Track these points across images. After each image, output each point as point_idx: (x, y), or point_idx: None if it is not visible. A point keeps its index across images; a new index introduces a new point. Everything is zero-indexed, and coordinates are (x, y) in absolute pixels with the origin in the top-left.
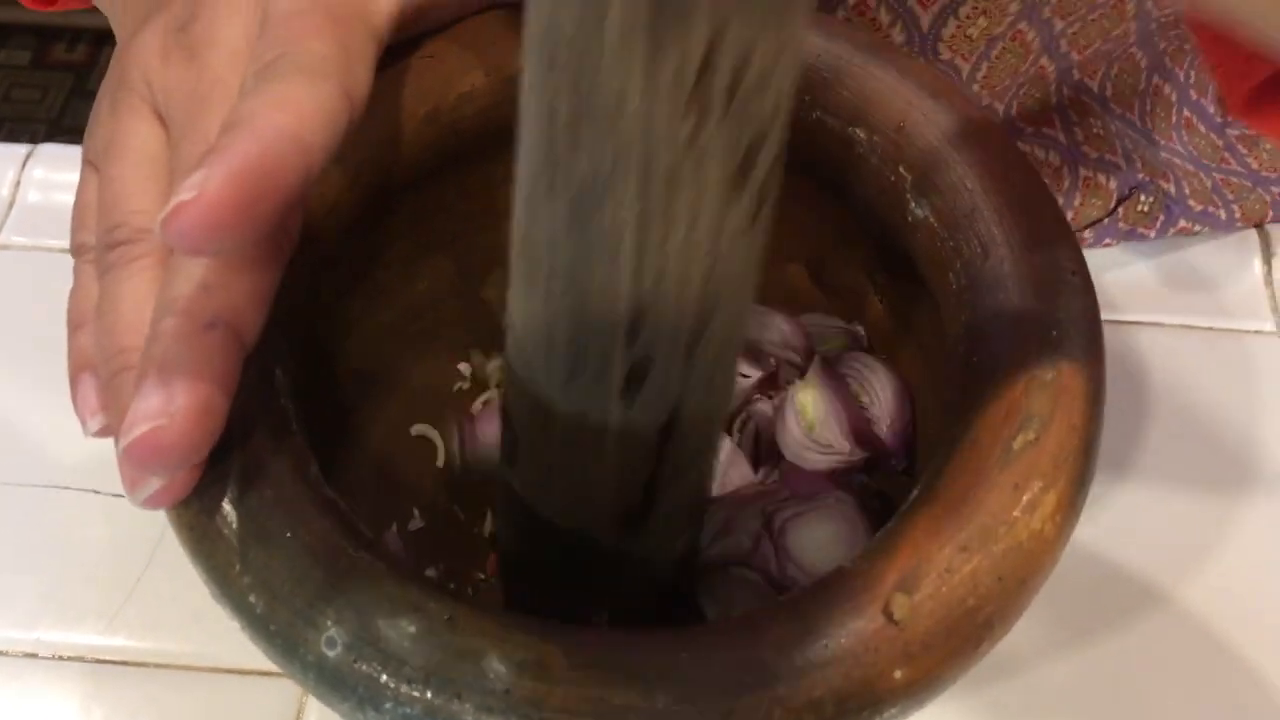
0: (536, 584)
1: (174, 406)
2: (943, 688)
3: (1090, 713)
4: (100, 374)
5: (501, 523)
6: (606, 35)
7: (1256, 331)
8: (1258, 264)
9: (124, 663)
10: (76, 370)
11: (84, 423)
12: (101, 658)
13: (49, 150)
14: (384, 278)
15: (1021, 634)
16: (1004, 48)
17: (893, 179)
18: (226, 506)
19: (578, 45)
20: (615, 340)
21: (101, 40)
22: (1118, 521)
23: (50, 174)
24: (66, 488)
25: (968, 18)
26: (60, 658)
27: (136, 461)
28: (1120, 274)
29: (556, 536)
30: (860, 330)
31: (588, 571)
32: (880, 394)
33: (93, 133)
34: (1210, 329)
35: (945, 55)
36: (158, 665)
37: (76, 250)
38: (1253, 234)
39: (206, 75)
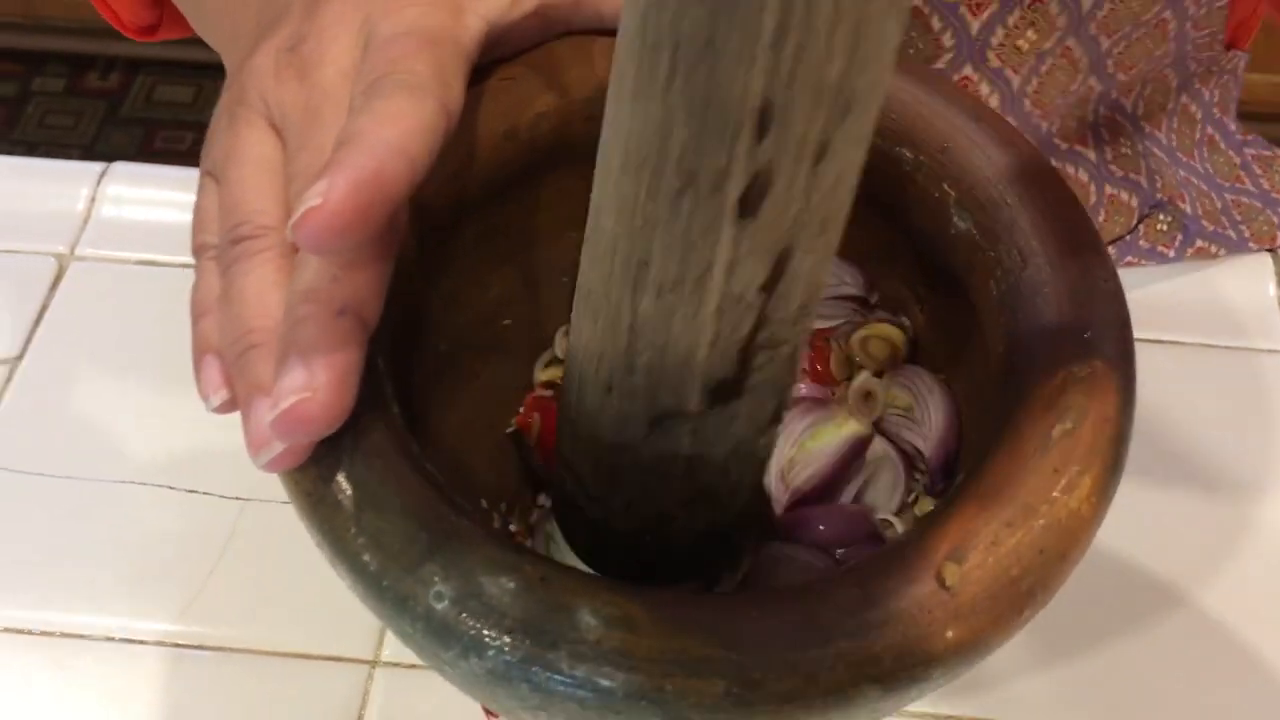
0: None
1: (317, 382)
2: (989, 649)
3: (1106, 713)
4: (227, 354)
5: (560, 437)
6: None
7: (1270, 350)
8: (1272, 287)
9: (198, 647)
10: (200, 353)
11: (206, 399)
12: (177, 642)
13: (121, 169)
14: (455, 286)
15: (1043, 634)
16: (1053, 64)
17: (937, 195)
18: (341, 476)
19: None
20: (741, 137)
21: (134, 68)
22: (1136, 532)
23: (123, 190)
24: (143, 483)
25: (1015, 27)
26: (137, 641)
27: (284, 430)
28: (1140, 295)
29: (637, 420)
30: (907, 322)
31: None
32: (932, 415)
33: (211, 145)
34: (1226, 348)
35: (994, 63)
36: (230, 650)
37: (198, 250)
38: (1267, 258)
39: (317, 91)
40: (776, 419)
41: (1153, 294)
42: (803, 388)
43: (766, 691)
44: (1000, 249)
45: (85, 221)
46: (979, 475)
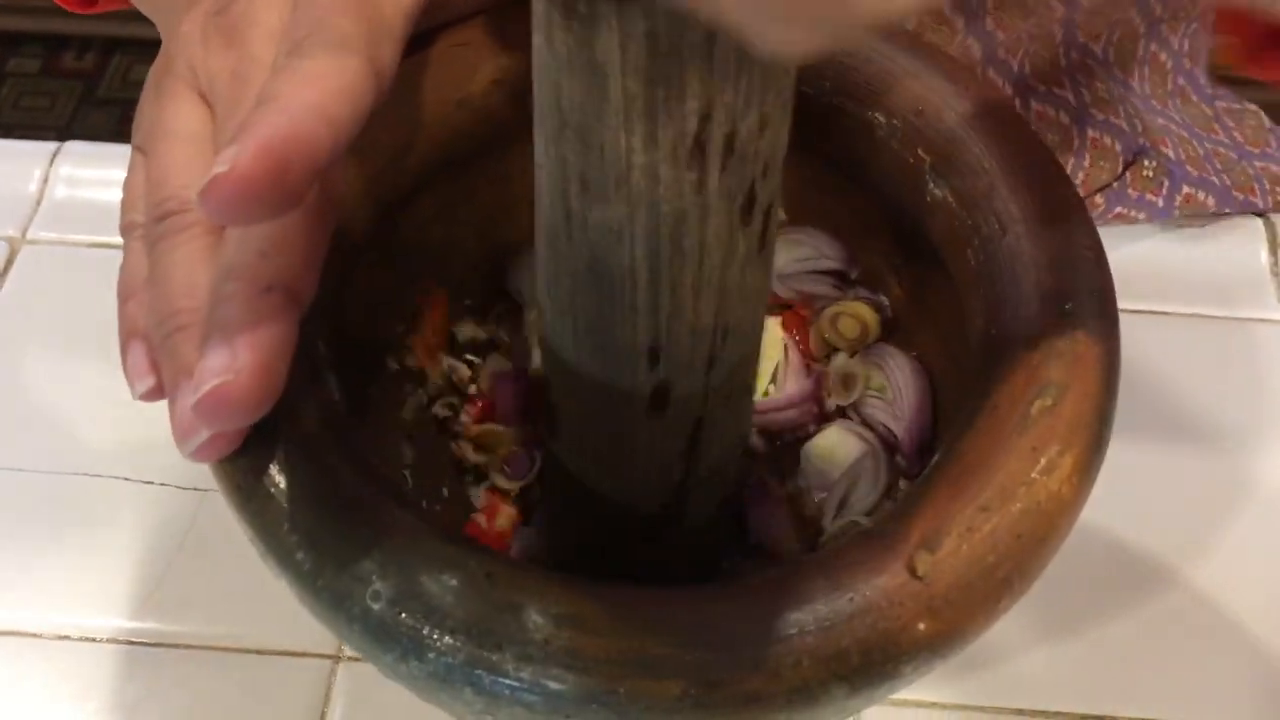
0: (580, 552)
1: (239, 363)
2: (965, 641)
3: (1097, 694)
4: (153, 337)
5: (546, 489)
6: (610, 106)
7: (1264, 320)
8: (1264, 253)
9: (156, 644)
10: (127, 337)
11: (133, 386)
12: (134, 639)
13: (75, 148)
14: (415, 262)
15: (1031, 617)
16: None
17: (912, 161)
18: (274, 468)
19: (585, 112)
20: (637, 369)
21: (110, 49)
22: (1126, 507)
23: (76, 170)
24: (97, 475)
25: None
26: (92, 639)
27: (207, 415)
28: (1128, 262)
29: (597, 513)
30: (885, 301)
31: (629, 542)
32: (904, 393)
33: (139, 119)
34: (1218, 318)
35: None
36: (189, 647)
37: (125, 229)
38: (1258, 223)
39: (246, 56)
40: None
41: (1140, 261)
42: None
43: (727, 692)
44: (978, 216)
45: (38, 204)
46: (953, 457)
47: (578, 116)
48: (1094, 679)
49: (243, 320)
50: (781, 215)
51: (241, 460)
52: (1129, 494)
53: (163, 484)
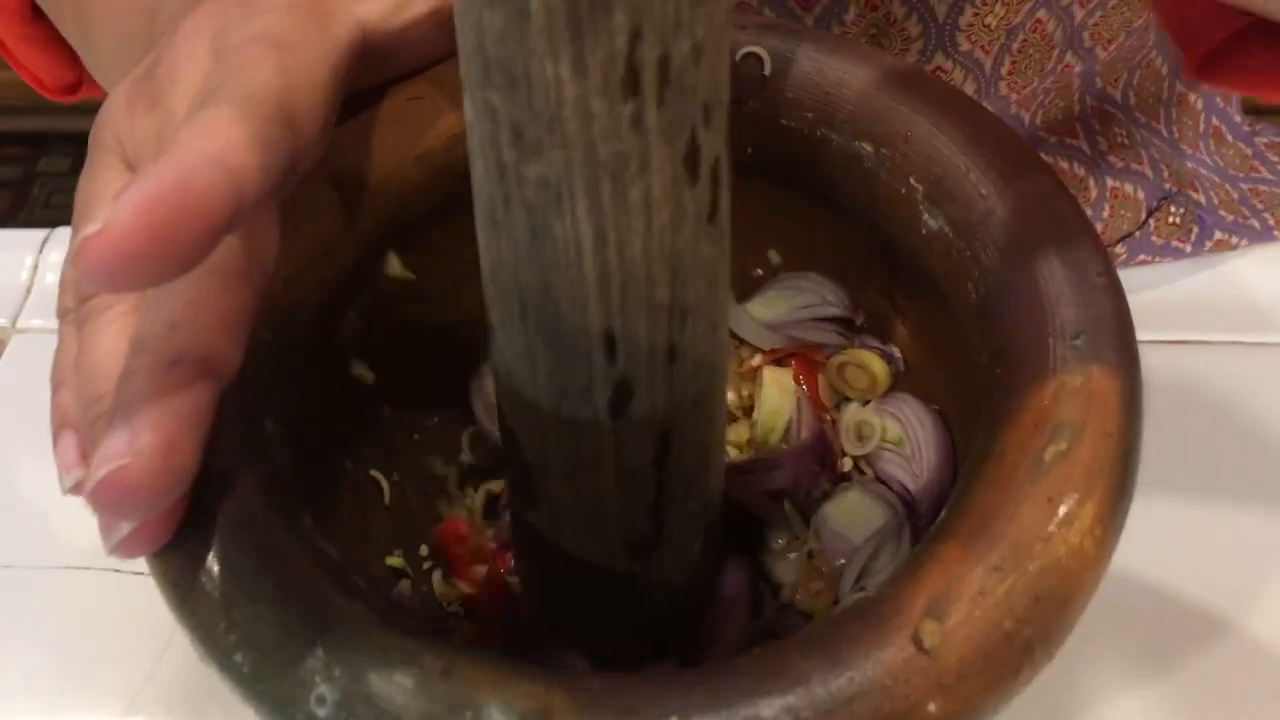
0: (562, 615)
1: (137, 445)
2: (983, 719)
3: None
4: (80, 427)
5: (517, 556)
6: (532, 28)
7: None
8: None
9: None
10: (58, 428)
11: (61, 479)
12: None
13: (65, 234)
14: (386, 330)
15: (1079, 667)
16: (1025, 39)
17: (904, 191)
18: (210, 561)
19: (508, 42)
20: (594, 359)
21: None
22: (1177, 547)
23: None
24: (86, 568)
25: (984, 4)
26: None
27: (104, 504)
28: (1162, 293)
29: (572, 567)
30: (896, 352)
31: (609, 602)
32: (924, 449)
33: (76, 195)
34: (1257, 344)
35: (964, 46)
36: None
37: (60, 313)
38: None
39: (168, 116)
40: (705, 555)
41: (1173, 290)
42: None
43: None
44: (976, 246)
45: (28, 292)
46: (961, 511)
47: (500, 49)
48: None
49: (145, 397)
50: (778, 258)
51: (175, 554)
52: (1182, 529)
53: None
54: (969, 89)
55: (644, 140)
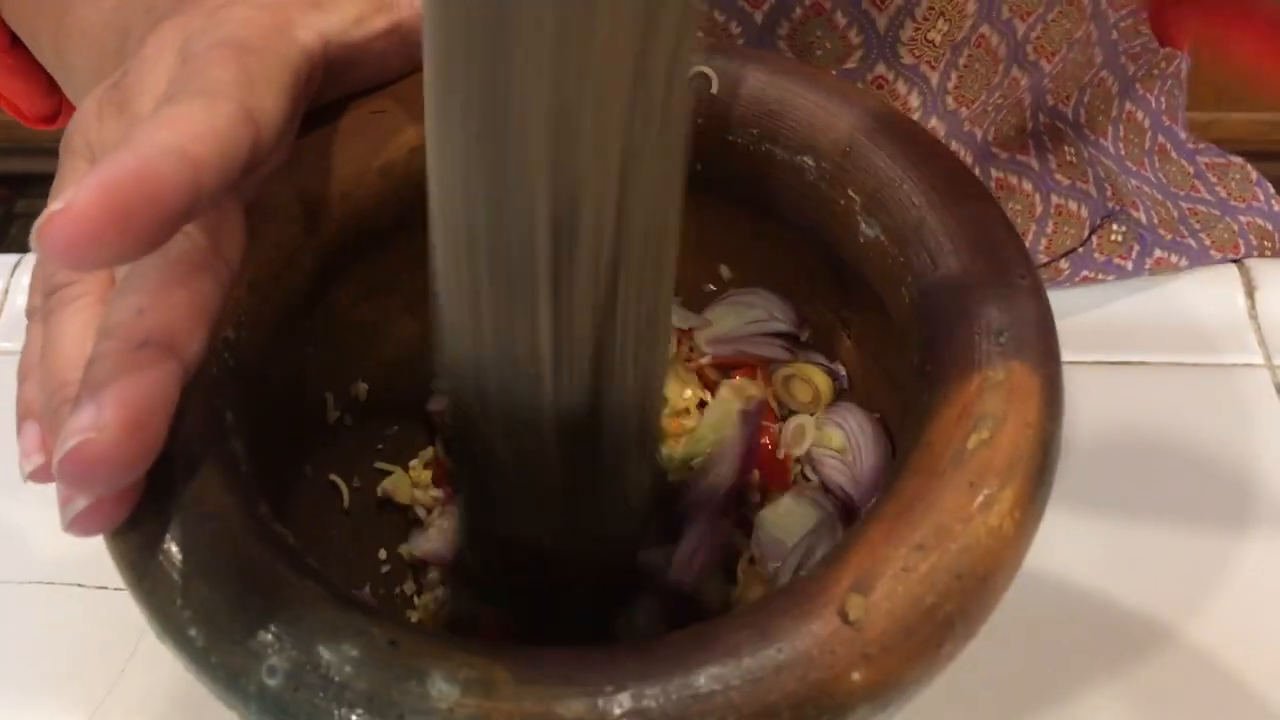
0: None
1: (103, 419)
2: (907, 691)
3: None
4: (43, 414)
5: (460, 493)
6: None
7: (1245, 365)
8: (1240, 299)
9: None
10: (21, 419)
11: (21, 466)
12: None
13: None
14: (349, 340)
15: (1024, 672)
16: (970, 55)
17: (843, 203)
18: (168, 541)
19: None
20: (538, 247)
21: None
22: (1120, 561)
23: None
24: (50, 583)
25: (925, 19)
26: None
27: (70, 476)
28: (1103, 314)
29: (506, 476)
30: (841, 370)
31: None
32: (863, 454)
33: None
34: (1198, 365)
35: (908, 60)
36: None
37: (28, 314)
38: (1233, 269)
39: (136, 121)
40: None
41: (1115, 312)
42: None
43: None
44: (909, 253)
45: None
46: (887, 497)
47: None
48: None
49: (112, 376)
50: (729, 273)
51: (133, 533)
52: (1125, 545)
53: (117, 588)
54: (914, 101)
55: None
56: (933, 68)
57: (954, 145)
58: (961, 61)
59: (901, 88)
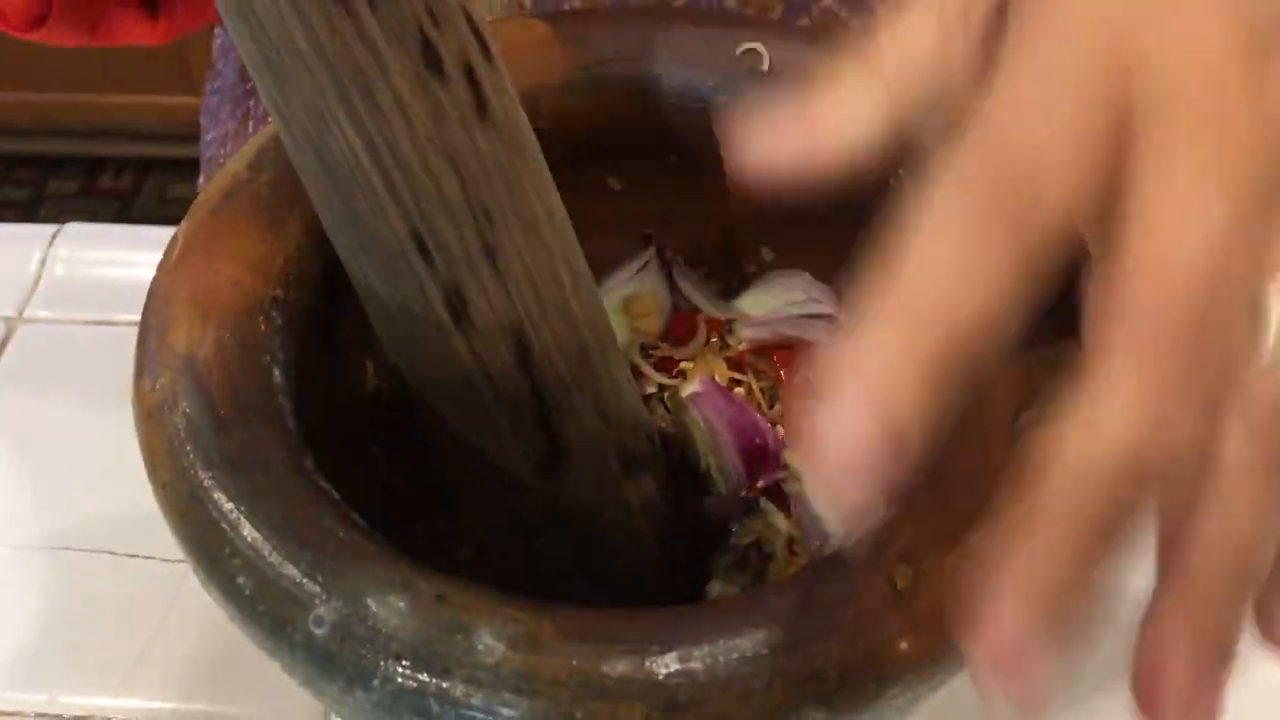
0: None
1: None
2: (954, 664)
3: None
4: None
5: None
6: None
7: None
8: None
9: None
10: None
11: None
12: (114, 717)
13: (74, 229)
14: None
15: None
16: None
17: (892, 182)
18: (217, 491)
19: None
20: (414, 263)
21: (146, 169)
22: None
23: (75, 252)
24: (80, 549)
25: None
26: (74, 718)
27: None
28: None
29: (487, 499)
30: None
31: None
32: None
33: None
34: None
35: None
36: None
37: None
38: None
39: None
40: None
41: None
42: None
43: (690, 716)
44: None
45: (35, 284)
46: (937, 472)
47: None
48: None
49: None
50: (771, 255)
51: (182, 484)
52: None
53: (148, 557)
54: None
55: (373, 49)
56: None
57: None
58: None
59: (845, 13)
